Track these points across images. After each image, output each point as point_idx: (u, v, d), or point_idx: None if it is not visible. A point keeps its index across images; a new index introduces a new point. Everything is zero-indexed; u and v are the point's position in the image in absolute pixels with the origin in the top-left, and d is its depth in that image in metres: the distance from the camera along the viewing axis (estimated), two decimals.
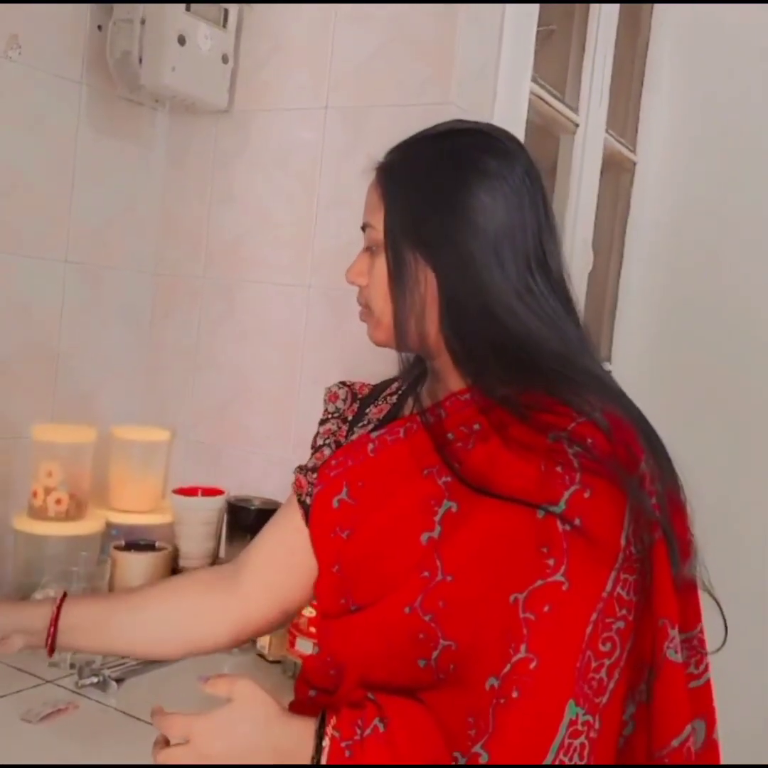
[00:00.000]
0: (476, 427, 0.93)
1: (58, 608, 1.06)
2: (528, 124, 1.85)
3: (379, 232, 0.98)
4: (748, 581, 2.15)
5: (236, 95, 1.84)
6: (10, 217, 1.66)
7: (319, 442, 1.11)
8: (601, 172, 2.27)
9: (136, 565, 1.61)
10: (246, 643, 1.18)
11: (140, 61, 1.68)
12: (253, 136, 1.83)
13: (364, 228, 1.02)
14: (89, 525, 1.65)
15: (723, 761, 0.93)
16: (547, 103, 1.99)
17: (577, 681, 0.80)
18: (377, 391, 1.13)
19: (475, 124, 1.01)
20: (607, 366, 2.51)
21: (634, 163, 2.50)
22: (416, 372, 1.08)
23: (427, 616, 0.88)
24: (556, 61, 2.11)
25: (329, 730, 0.82)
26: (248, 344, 1.85)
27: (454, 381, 0.99)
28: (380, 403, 1.10)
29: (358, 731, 0.82)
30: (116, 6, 1.71)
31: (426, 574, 0.88)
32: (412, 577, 0.89)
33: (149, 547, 1.66)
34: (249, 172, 1.84)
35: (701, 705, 0.91)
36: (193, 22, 1.68)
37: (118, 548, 1.63)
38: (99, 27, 1.73)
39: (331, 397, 1.14)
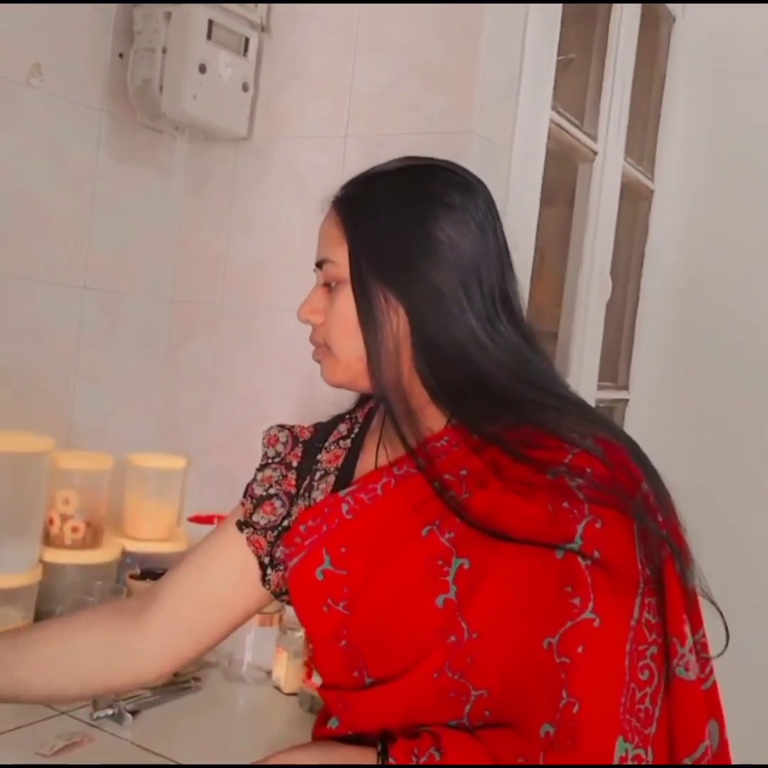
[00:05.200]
0: (463, 472, 0.90)
1: None
2: (546, 151, 1.85)
3: (340, 268, 0.94)
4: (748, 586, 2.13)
5: (256, 123, 1.84)
6: (30, 243, 1.66)
7: (259, 491, 1.05)
8: (619, 200, 2.27)
9: None
10: (158, 681, 1.13)
11: (161, 89, 1.69)
12: (272, 163, 1.83)
13: (320, 264, 0.98)
14: (105, 553, 1.64)
15: (733, 760, 0.92)
16: (565, 131, 1.99)
17: (623, 716, 0.78)
18: (321, 434, 1.07)
19: (431, 159, 0.99)
20: (624, 394, 2.49)
21: (652, 191, 2.49)
22: (364, 412, 1.05)
23: (456, 675, 0.85)
24: (574, 90, 2.11)
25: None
26: (266, 372, 1.84)
27: (433, 420, 0.95)
28: (332, 448, 1.04)
29: (414, 759, 0.83)
30: (138, 36, 1.72)
31: (453, 638, 0.85)
32: (438, 643, 0.86)
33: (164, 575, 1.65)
34: (268, 200, 1.84)
35: (713, 707, 0.90)
36: (214, 51, 1.69)
37: (133, 577, 1.61)
38: (120, 55, 1.74)
39: (270, 440, 1.07)
